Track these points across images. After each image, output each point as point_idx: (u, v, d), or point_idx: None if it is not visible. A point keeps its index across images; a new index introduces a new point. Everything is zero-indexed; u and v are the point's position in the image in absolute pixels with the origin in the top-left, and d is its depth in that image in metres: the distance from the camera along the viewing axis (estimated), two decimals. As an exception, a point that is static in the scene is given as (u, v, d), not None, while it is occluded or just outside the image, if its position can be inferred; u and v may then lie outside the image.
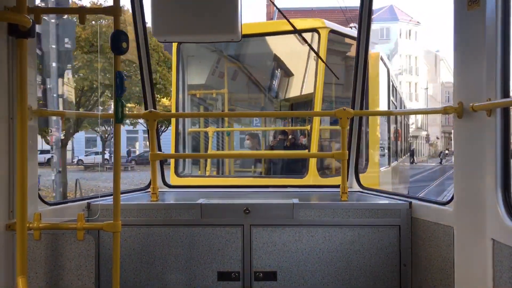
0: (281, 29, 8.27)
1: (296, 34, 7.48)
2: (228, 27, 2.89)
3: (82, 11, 2.63)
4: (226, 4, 2.86)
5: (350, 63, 8.33)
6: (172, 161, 7.74)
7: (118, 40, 2.56)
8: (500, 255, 2.43)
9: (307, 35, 7.62)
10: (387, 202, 3.48)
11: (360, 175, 4.15)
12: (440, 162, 54.19)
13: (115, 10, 2.59)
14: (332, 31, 7.52)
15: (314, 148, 7.49)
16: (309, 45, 6.99)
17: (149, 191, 3.74)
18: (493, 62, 2.50)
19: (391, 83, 10.00)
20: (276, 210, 3.39)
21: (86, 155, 41.98)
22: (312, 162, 7.32)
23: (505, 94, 2.49)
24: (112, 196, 2.74)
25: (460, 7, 2.68)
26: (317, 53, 7.24)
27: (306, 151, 7.99)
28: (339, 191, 3.62)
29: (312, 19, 8.19)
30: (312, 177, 7.28)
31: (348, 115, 3.59)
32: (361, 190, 4.09)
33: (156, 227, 3.37)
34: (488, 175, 2.54)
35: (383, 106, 9.48)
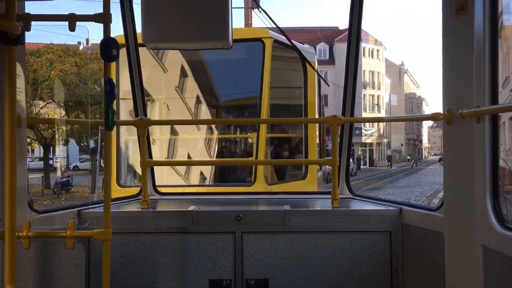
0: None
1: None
2: (218, 35, 2.69)
3: (72, 19, 2.45)
4: (217, 11, 2.67)
5: (292, 70, 8.24)
6: (113, 171, 7.10)
7: (108, 48, 2.38)
8: (490, 261, 2.28)
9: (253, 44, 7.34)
10: (377, 208, 3.27)
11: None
12: (416, 165, 55.98)
13: (105, 18, 2.41)
14: (276, 41, 7.28)
15: (261, 155, 7.16)
16: (304, 58, 6.73)
17: (140, 199, 3.48)
18: (481, 69, 2.35)
19: (321, 93, 9.70)
20: (268, 217, 3.17)
21: (81, 162, 41.79)
22: (260, 170, 7.00)
23: (494, 100, 2.36)
24: (102, 204, 2.52)
25: (448, 14, 2.53)
26: (313, 67, 7.05)
27: (251, 158, 7.57)
28: (330, 198, 3.39)
29: (258, 29, 7.83)
30: (259, 184, 6.93)
31: (339, 122, 3.35)
32: (352, 196, 3.86)
33: (147, 234, 3.13)
34: (477, 181, 2.38)
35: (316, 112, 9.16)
